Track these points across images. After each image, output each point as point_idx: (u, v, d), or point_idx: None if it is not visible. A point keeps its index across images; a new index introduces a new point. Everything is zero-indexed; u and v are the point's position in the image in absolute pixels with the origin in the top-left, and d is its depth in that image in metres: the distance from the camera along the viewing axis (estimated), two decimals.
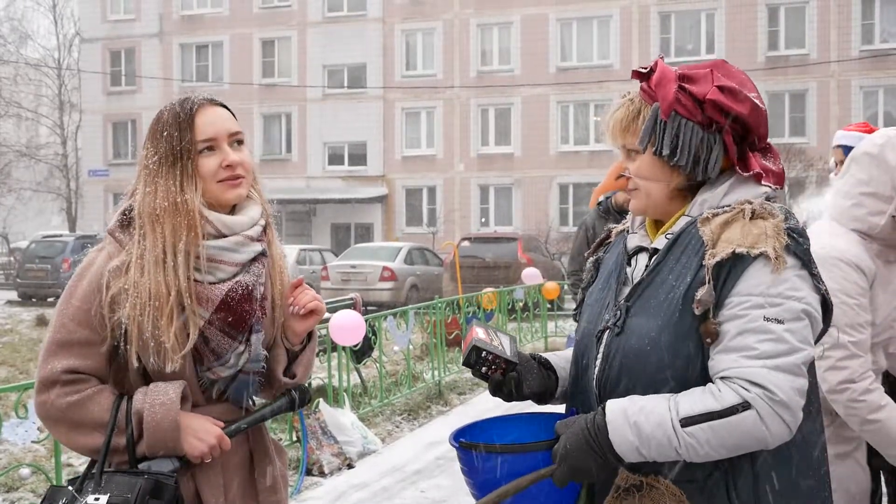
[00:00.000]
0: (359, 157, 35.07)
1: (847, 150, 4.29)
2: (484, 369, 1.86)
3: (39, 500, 1.98)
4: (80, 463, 6.16)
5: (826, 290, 1.76)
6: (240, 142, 2.04)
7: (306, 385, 2.15)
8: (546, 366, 1.99)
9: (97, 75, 37.35)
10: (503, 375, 1.87)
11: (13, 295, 24.49)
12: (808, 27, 30.69)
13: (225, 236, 1.99)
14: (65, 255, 22.35)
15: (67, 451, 5.15)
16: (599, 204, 6.56)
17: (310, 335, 2.17)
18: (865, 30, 30.28)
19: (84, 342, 1.93)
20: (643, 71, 1.86)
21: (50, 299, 22.48)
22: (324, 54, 35.07)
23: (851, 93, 30.21)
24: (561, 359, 2.03)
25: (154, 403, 1.91)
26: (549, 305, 13.46)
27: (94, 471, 1.92)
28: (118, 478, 1.89)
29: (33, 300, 22.61)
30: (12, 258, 33.61)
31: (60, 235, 26.17)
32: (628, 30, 32.02)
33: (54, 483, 4.15)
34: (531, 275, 12.98)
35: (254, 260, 2.02)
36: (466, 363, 1.86)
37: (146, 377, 1.98)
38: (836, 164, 4.36)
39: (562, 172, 32.20)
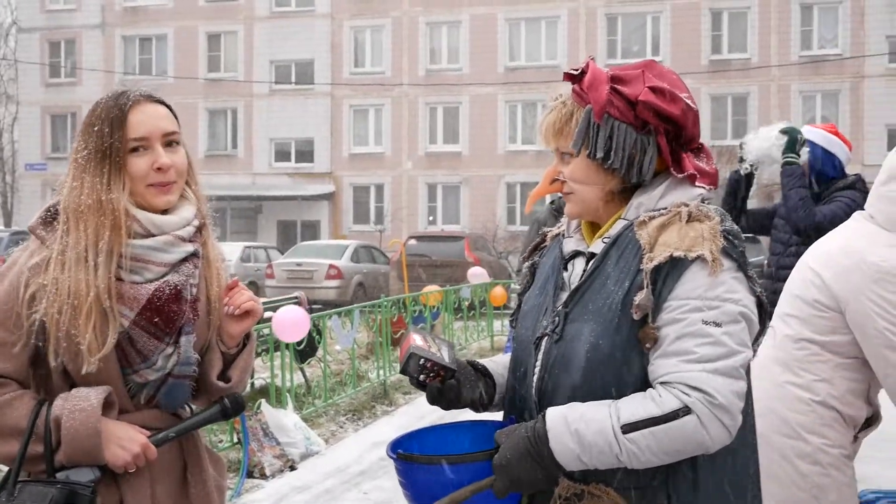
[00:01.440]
0: (306, 154, 34.80)
1: (812, 144, 4.38)
2: (422, 377, 1.81)
3: None
4: None
5: (761, 291, 1.76)
6: (176, 142, 1.96)
7: (240, 392, 2.07)
8: (484, 373, 1.95)
9: (35, 66, 36.44)
10: (442, 383, 1.83)
11: None
12: (750, 32, 31.31)
13: (154, 236, 1.91)
14: None
15: None
16: (552, 202, 6.58)
17: (247, 338, 2.09)
18: (804, 36, 31.01)
19: (2, 343, 1.85)
20: (574, 73, 1.83)
21: None
22: (271, 49, 34.71)
23: (791, 97, 30.90)
24: (499, 365, 2.00)
25: (73, 409, 1.81)
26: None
27: (9, 479, 1.83)
28: (31, 487, 1.80)
29: None
30: None
31: None
32: (576, 31, 32.28)
33: None
34: (477, 274, 13.01)
35: (184, 260, 1.95)
36: (404, 371, 1.81)
37: (69, 379, 1.88)
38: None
39: (509, 171, 32.34)
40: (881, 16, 30.26)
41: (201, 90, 34.61)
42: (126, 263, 1.89)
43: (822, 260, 2.68)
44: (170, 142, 1.95)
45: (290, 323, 6.37)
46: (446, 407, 1.86)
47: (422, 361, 1.79)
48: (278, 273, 19.72)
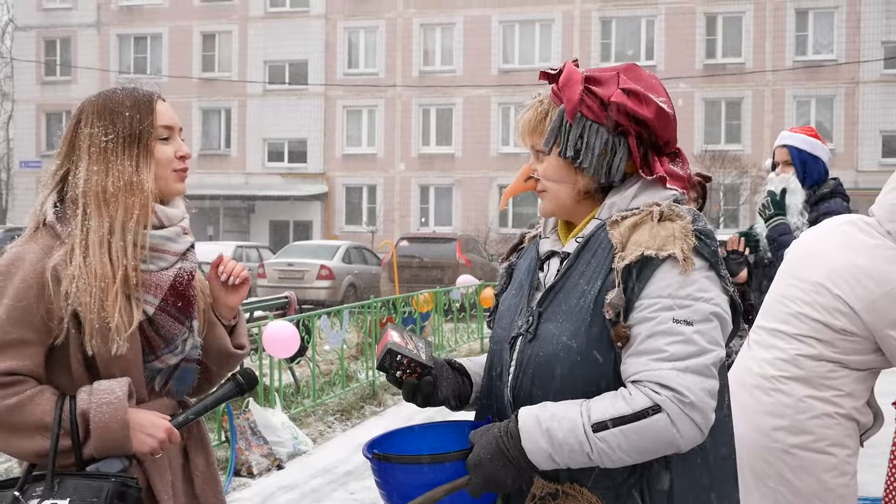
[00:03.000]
0: (299, 155, 34.77)
1: (793, 149, 4.38)
2: (399, 373, 1.82)
3: None
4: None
5: (735, 291, 1.77)
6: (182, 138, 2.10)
7: (251, 369, 2.13)
8: (461, 371, 1.97)
9: (31, 64, 36.35)
10: (418, 380, 1.84)
11: None
12: (745, 37, 31.37)
13: (165, 227, 2.00)
14: None
15: None
16: None
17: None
18: (799, 41, 31.08)
19: (20, 342, 1.85)
20: (552, 72, 1.86)
21: None
22: (265, 50, 34.68)
23: (785, 102, 30.97)
24: (476, 364, 2.01)
25: (101, 403, 1.85)
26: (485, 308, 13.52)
27: (34, 473, 1.85)
28: (75, 482, 1.82)
29: None
30: None
31: None
32: (570, 34, 32.32)
33: None
34: (466, 282, 13.07)
35: (188, 250, 2.05)
36: (381, 367, 1.82)
37: (90, 371, 1.91)
38: (781, 165, 4.44)
39: (502, 174, 32.34)
40: (877, 21, 30.35)
41: (195, 89, 34.56)
42: (146, 255, 1.95)
43: (844, 286, 2.65)
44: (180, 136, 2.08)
45: (280, 339, 6.44)
46: (422, 404, 1.87)
47: (398, 358, 1.80)
48: (270, 273, 19.69)
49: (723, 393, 1.79)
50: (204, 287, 2.15)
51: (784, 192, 4.36)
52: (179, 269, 2.00)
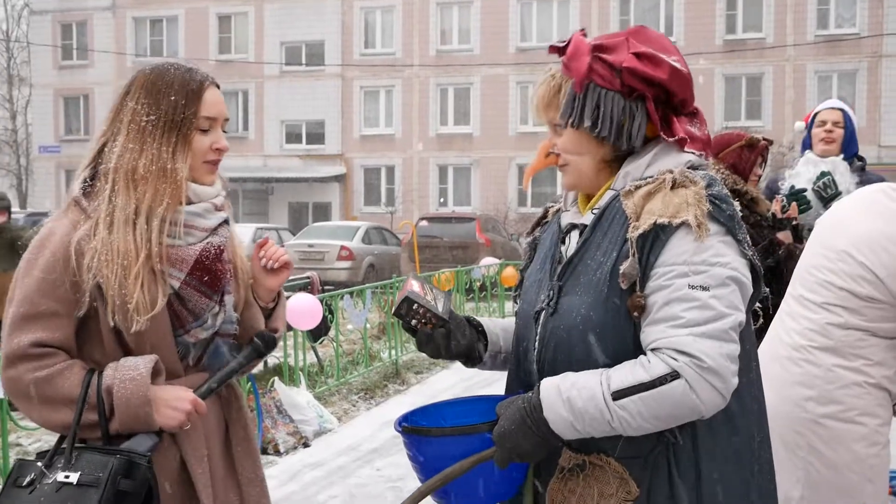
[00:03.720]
0: (317, 136, 34.77)
1: (846, 114, 4.37)
2: (414, 322, 1.86)
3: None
4: (30, 442, 6.04)
5: (753, 254, 1.75)
6: (225, 130, 2.09)
7: (266, 333, 2.13)
8: (478, 329, 1.99)
9: (48, 49, 36.46)
10: (432, 330, 1.87)
11: None
12: (766, 11, 31.00)
13: (193, 203, 2.01)
14: None
15: (18, 431, 5.03)
16: None
17: (278, 292, 2.22)
18: (821, 15, 30.67)
19: (50, 314, 1.88)
20: (560, 45, 1.83)
21: None
22: (281, 31, 34.63)
23: (807, 77, 30.61)
24: (496, 325, 2.03)
25: (124, 379, 1.87)
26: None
27: (63, 446, 1.88)
28: (90, 455, 1.85)
29: None
30: None
31: None
32: (588, 11, 32.05)
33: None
34: (488, 264, 13.08)
35: (219, 226, 2.06)
36: (397, 314, 1.86)
37: (122, 344, 1.93)
38: (828, 125, 4.36)
39: (521, 153, 32.22)
40: None
41: (212, 71, 32.78)
42: (174, 229, 1.96)
43: (868, 253, 2.63)
44: (223, 129, 2.08)
45: (303, 311, 6.44)
46: (434, 355, 1.91)
47: (415, 306, 1.84)
48: (290, 254, 19.58)
49: (748, 357, 1.78)
50: (245, 265, 2.16)
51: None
52: (207, 243, 2.00)
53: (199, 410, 1.94)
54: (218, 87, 2.07)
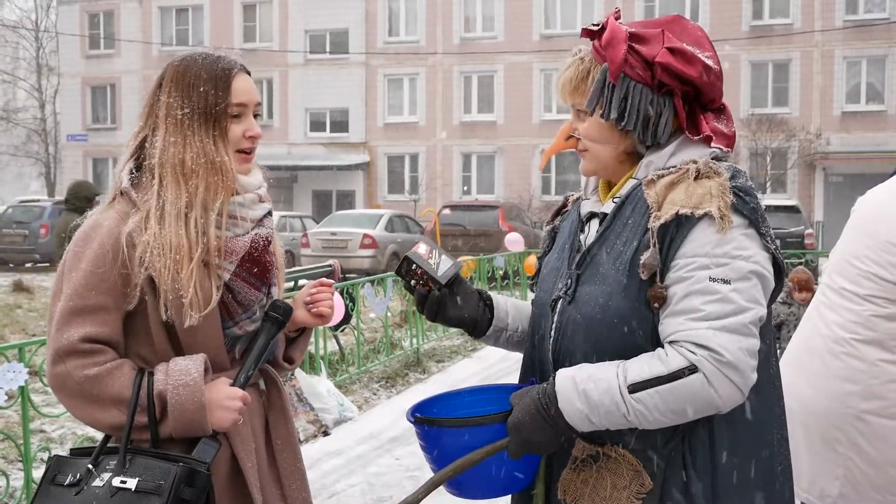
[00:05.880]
0: (341, 124, 34.82)
1: None
2: (413, 282, 1.89)
3: (44, 468, 1.89)
4: (53, 429, 6.12)
5: (777, 247, 1.72)
6: (258, 114, 2.05)
7: (280, 300, 2.09)
8: (487, 302, 1.98)
9: (75, 38, 36.75)
10: (427, 293, 1.90)
11: None
12: None
13: (239, 194, 1.99)
14: (42, 220, 22.08)
15: (42, 418, 5.10)
16: None
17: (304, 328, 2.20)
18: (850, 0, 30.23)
19: (99, 308, 1.84)
20: (594, 29, 1.79)
21: (27, 264, 22.27)
22: (306, 19, 34.66)
23: (835, 63, 30.20)
24: (507, 303, 2.02)
25: (177, 385, 1.83)
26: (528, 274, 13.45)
27: (109, 445, 1.85)
28: (146, 461, 1.80)
29: (10, 265, 22.37)
30: None
31: (38, 200, 25.89)
32: None
33: (22, 450, 4.11)
34: (514, 241, 12.91)
35: (264, 217, 2.05)
36: (398, 272, 1.91)
37: (171, 339, 1.90)
38: None
39: (545, 141, 32.06)
40: None
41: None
42: (221, 221, 1.93)
43: None
44: (256, 113, 2.02)
45: None
46: (431, 318, 1.93)
47: (413, 267, 1.89)
48: (313, 242, 19.80)
49: (768, 352, 1.75)
50: (282, 259, 2.14)
51: None
52: (255, 234, 1.98)
53: (246, 403, 1.92)
54: (248, 72, 2.02)
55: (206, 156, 1.90)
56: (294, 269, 9.62)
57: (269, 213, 2.07)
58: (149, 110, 1.97)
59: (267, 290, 2.02)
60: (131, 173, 1.94)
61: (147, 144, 1.94)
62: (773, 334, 1.83)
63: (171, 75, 1.95)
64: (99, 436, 1.91)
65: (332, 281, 2.19)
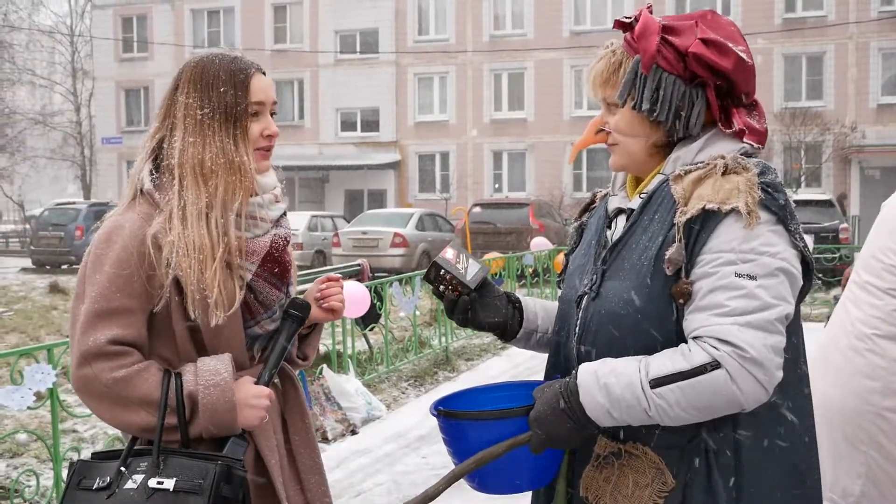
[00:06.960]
0: (371, 124, 34.92)
1: None
2: (442, 288, 1.90)
3: (67, 470, 1.91)
4: (85, 429, 6.19)
5: (805, 245, 1.69)
6: (274, 112, 2.06)
7: (296, 299, 2.10)
8: (516, 305, 1.98)
9: (109, 42, 37.23)
10: (457, 298, 1.90)
11: (27, 262, 24.66)
12: None
13: (257, 195, 2.00)
14: (78, 222, 22.43)
15: (70, 418, 5.16)
16: None
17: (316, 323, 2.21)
18: None
19: (124, 310, 1.83)
20: (626, 21, 1.78)
21: (63, 266, 22.61)
22: (335, 19, 34.80)
23: (870, 55, 29.72)
24: (536, 304, 2.01)
25: (208, 385, 1.83)
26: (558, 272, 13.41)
27: (136, 446, 1.85)
28: (181, 461, 1.79)
29: (46, 267, 22.76)
30: (27, 226, 33.76)
31: (73, 203, 26.30)
32: None
33: (52, 451, 4.17)
34: (540, 244, 12.97)
35: (281, 217, 2.06)
36: (426, 278, 1.92)
37: (195, 339, 1.91)
38: None
39: (575, 138, 31.72)
40: None
41: (268, 61, 34.87)
42: (246, 222, 1.95)
43: None
44: (272, 111, 2.04)
45: (351, 299, 6.48)
46: (461, 323, 1.93)
47: (441, 272, 1.89)
48: (344, 241, 19.89)
49: (796, 350, 1.72)
50: (294, 259, 2.14)
51: None
52: (275, 235, 1.99)
53: (271, 401, 1.93)
54: (263, 73, 2.03)
55: (225, 155, 1.90)
56: (324, 268, 9.66)
57: (285, 214, 2.07)
58: (166, 111, 1.97)
59: (286, 289, 2.03)
60: (151, 174, 1.94)
61: (165, 145, 1.95)
62: (802, 333, 1.80)
63: (189, 76, 1.95)
64: (127, 436, 1.92)
65: (339, 276, 2.20)
